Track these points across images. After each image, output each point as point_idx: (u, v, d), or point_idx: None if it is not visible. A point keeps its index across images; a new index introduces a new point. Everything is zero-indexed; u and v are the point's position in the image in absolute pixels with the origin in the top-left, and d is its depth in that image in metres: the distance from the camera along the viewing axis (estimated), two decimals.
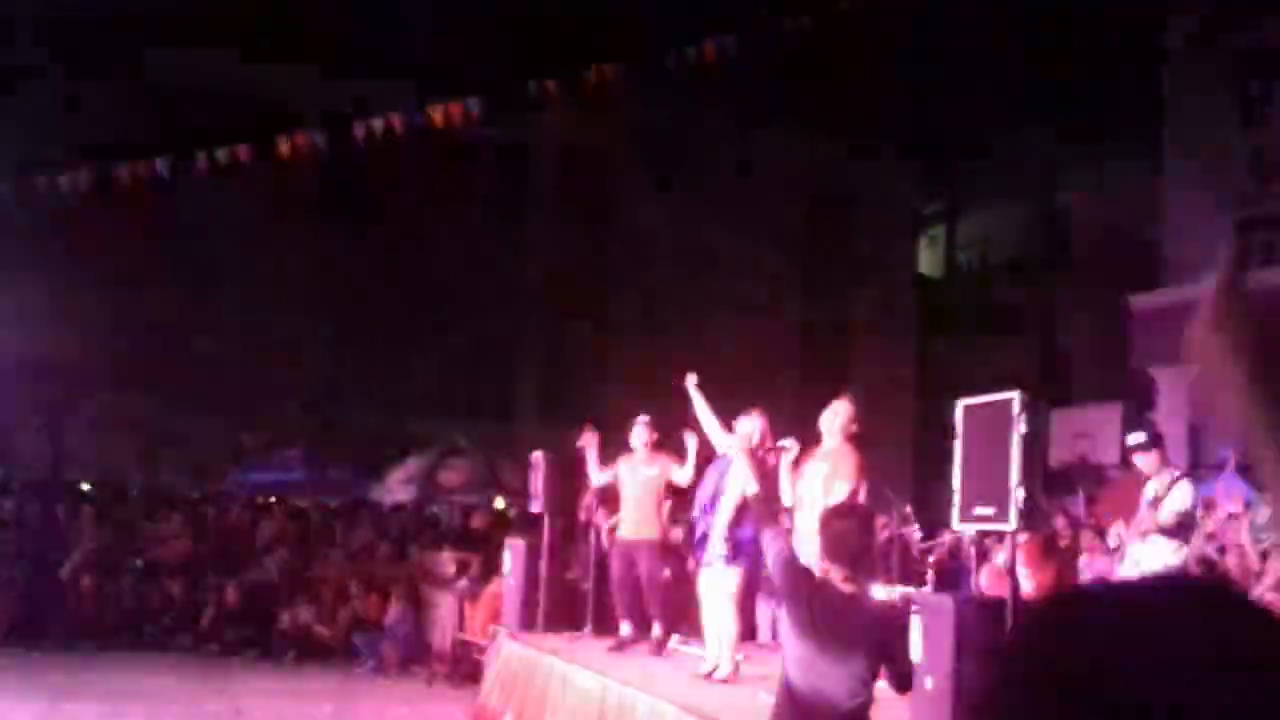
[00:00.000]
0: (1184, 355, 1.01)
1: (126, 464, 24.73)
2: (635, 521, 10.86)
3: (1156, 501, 8.40)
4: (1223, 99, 24.20)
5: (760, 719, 7.59)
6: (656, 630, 10.77)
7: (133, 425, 24.52)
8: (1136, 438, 8.80)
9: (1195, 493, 8.61)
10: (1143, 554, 8.33)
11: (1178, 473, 8.62)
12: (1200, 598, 0.70)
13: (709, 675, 9.16)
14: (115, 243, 22.35)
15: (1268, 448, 0.95)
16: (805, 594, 5.23)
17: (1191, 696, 0.62)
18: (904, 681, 5.39)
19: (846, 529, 5.28)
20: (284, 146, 13.90)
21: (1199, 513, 8.97)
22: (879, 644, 5.14)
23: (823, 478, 8.26)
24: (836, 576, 5.17)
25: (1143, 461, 8.61)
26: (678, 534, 11.85)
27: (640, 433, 11.02)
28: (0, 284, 18.86)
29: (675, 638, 11.29)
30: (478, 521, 18.77)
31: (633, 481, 10.91)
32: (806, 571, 5.38)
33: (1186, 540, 8.56)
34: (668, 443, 10.95)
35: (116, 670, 14.26)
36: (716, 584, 9.25)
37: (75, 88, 23.93)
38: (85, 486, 21.29)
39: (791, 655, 5.27)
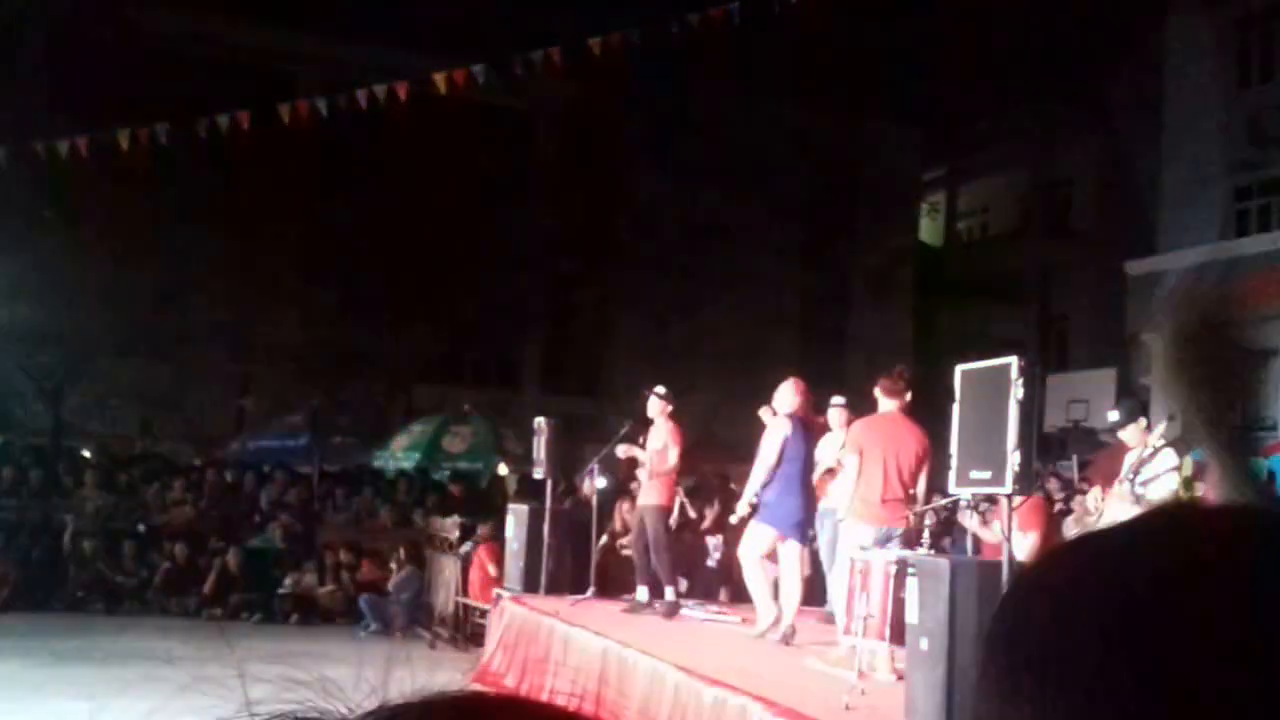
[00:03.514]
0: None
1: (128, 431, 24.82)
2: (645, 488, 11.13)
3: (1139, 466, 8.42)
4: (1220, 65, 24.21)
5: (760, 680, 7.72)
6: (669, 593, 11.01)
7: (134, 392, 24.59)
8: (1113, 416, 8.84)
9: (1179, 459, 8.63)
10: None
11: (1162, 441, 8.64)
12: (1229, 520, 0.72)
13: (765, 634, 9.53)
14: (115, 210, 22.34)
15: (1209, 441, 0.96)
16: None
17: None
18: None
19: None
20: (285, 113, 13.92)
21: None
22: None
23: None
24: None
25: (1125, 435, 8.65)
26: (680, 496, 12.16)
27: (655, 404, 11.20)
28: None
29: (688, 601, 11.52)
30: (481, 487, 18.88)
31: (646, 451, 11.16)
32: None
33: None
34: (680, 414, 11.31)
35: (120, 635, 14.35)
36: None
37: (74, 53, 23.87)
38: (86, 453, 21.38)
39: None
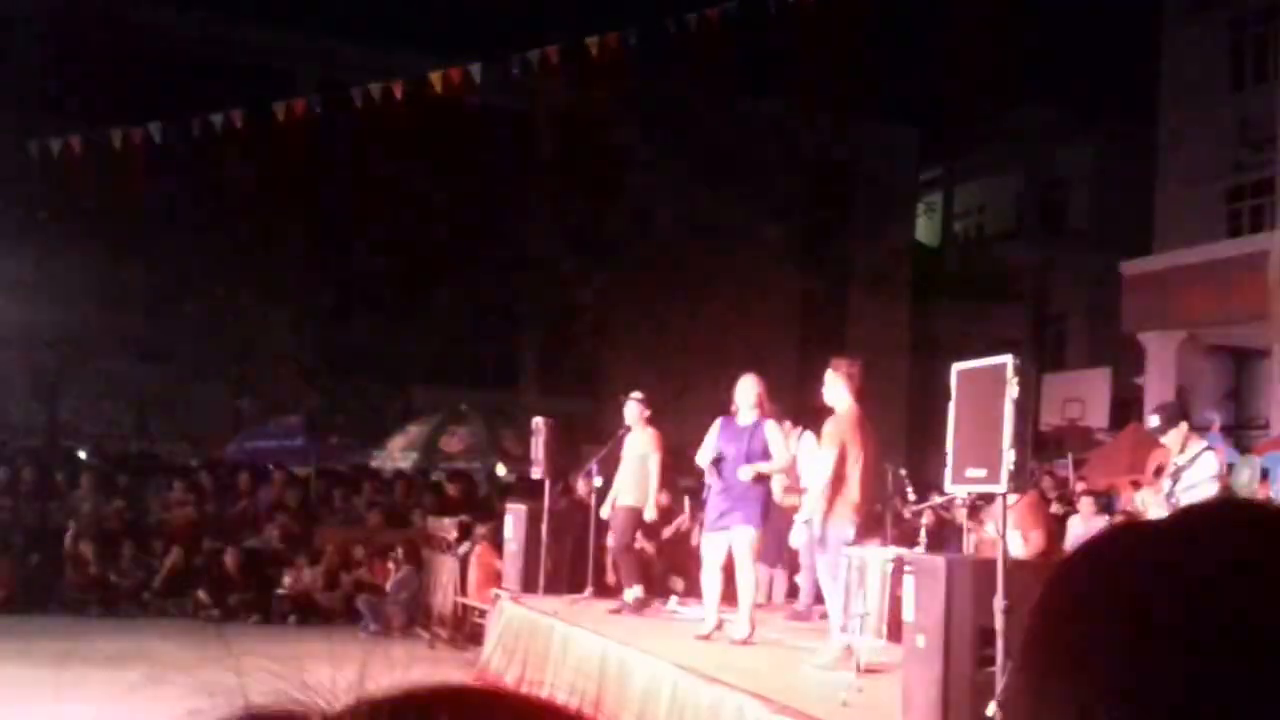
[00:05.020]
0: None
1: (124, 432, 24.80)
2: (621, 490, 11.23)
3: (1178, 472, 8.38)
4: (1216, 66, 24.28)
5: (757, 678, 7.74)
6: (626, 593, 11.06)
7: (130, 393, 24.57)
8: (1153, 421, 8.76)
9: (1219, 465, 8.62)
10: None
11: (1204, 444, 8.62)
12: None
13: (706, 636, 9.33)
14: (111, 210, 22.33)
15: None
16: None
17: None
18: None
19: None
20: (280, 112, 13.90)
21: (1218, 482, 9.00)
22: None
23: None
24: None
25: (1168, 440, 8.59)
26: (664, 499, 12.15)
27: (632, 409, 11.23)
28: None
29: (674, 599, 11.51)
30: (479, 487, 18.89)
31: (625, 455, 11.24)
32: None
33: None
34: (659, 416, 11.32)
35: (118, 636, 14.33)
36: (731, 544, 9.43)
37: (72, 52, 23.85)
38: (82, 454, 21.35)
39: None
